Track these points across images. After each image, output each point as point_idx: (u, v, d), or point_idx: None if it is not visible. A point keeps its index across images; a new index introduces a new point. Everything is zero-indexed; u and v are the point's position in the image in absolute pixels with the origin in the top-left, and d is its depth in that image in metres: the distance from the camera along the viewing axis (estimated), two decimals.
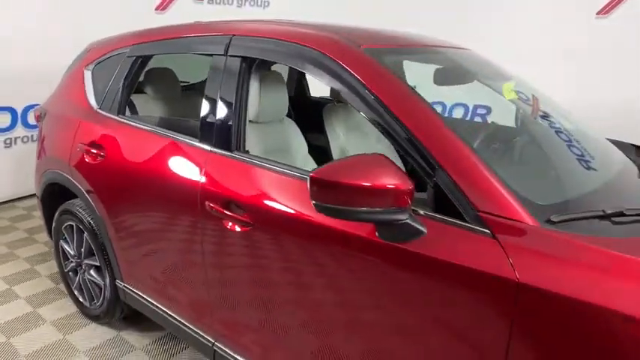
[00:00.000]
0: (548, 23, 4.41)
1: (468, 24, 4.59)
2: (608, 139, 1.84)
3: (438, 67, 1.74)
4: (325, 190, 1.07)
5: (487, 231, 1.05)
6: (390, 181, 1.06)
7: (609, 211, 1.10)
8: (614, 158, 1.54)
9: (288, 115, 2.78)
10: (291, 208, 1.34)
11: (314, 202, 1.09)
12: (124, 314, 2.34)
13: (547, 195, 1.13)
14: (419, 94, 1.26)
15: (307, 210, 1.28)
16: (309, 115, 2.57)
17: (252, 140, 1.84)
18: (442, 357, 1.11)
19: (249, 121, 1.84)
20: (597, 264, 0.95)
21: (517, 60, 4.43)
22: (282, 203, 1.36)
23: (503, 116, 1.64)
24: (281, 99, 1.93)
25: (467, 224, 1.08)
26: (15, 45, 3.66)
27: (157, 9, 4.69)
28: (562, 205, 1.13)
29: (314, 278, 1.32)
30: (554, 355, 0.94)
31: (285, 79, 3.03)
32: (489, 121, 2.21)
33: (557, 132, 1.54)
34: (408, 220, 1.09)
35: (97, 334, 2.35)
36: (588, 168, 1.41)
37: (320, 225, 1.26)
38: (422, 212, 1.16)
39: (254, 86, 1.74)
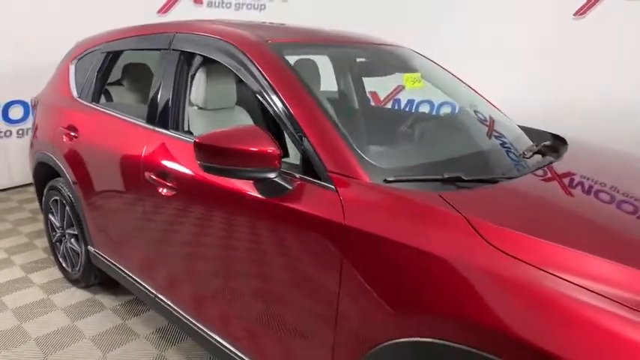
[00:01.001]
0: (526, 25, 4.56)
1: (446, 23, 4.79)
2: (520, 126, 2.06)
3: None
4: (206, 152, 1.33)
5: (332, 187, 1.29)
6: (263, 146, 1.31)
7: (446, 176, 1.33)
8: (497, 137, 1.75)
9: (259, 107, 3.05)
10: (201, 174, 1.61)
11: (198, 162, 1.36)
12: (98, 279, 2.67)
13: (391, 161, 1.37)
14: (303, 81, 1.52)
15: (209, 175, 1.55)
16: None
17: (200, 125, 2.11)
18: (297, 287, 1.36)
19: (199, 108, 2.13)
20: (411, 212, 1.18)
21: (495, 61, 4.63)
22: (194, 170, 1.64)
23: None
24: (227, 89, 2.20)
25: (320, 182, 1.33)
26: (26, 47, 4.08)
27: (158, 12, 5.06)
28: (407, 169, 1.36)
29: (218, 230, 1.60)
30: (370, 280, 1.18)
31: None
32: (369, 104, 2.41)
33: (437, 113, 1.76)
34: (276, 179, 1.35)
35: (75, 295, 2.68)
36: (452, 141, 1.63)
37: (219, 186, 1.54)
38: (297, 175, 1.41)
39: (198, 77, 2.02)
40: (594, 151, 1.88)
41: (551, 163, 1.59)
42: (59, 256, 2.82)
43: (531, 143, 1.84)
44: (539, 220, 1.16)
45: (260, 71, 1.56)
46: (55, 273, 2.90)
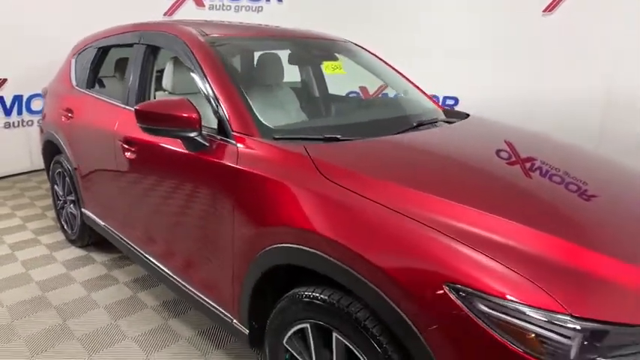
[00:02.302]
0: (497, 21, 4.83)
1: (414, 22, 5.12)
2: (448, 109, 2.46)
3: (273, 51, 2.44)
4: (144, 117, 1.78)
5: (234, 142, 1.72)
6: (186, 113, 1.74)
7: (326, 135, 1.73)
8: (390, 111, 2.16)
9: None
10: (149, 139, 2.07)
11: (139, 125, 1.80)
12: (92, 239, 3.17)
13: (283, 125, 1.79)
14: (227, 65, 1.95)
15: (155, 138, 2.00)
16: None
17: None
18: (210, 215, 1.78)
19: (169, 92, 2.58)
20: (278, 157, 1.59)
21: (466, 57, 4.92)
22: (144, 136, 2.09)
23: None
24: (188, 76, 2.65)
25: (227, 139, 1.75)
26: (44, 46, 4.65)
27: (165, 14, 5.60)
28: (296, 130, 1.78)
29: (159, 179, 2.07)
30: (251, 205, 1.60)
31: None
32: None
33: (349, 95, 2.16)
34: (196, 137, 1.78)
35: (73, 252, 3.19)
36: (345, 113, 2.03)
37: (159, 146, 1.99)
38: (218, 137, 1.83)
39: (168, 66, 2.46)
40: (479, 123, 2.24)
41: (427, 128, 1.98)
42: (62, 220, 3.35)
43: (442, 118, 2.24)
44: (366, 160, 1.57)
45: (195, 58, 2.00)
46: (59, 236, 3.43)
